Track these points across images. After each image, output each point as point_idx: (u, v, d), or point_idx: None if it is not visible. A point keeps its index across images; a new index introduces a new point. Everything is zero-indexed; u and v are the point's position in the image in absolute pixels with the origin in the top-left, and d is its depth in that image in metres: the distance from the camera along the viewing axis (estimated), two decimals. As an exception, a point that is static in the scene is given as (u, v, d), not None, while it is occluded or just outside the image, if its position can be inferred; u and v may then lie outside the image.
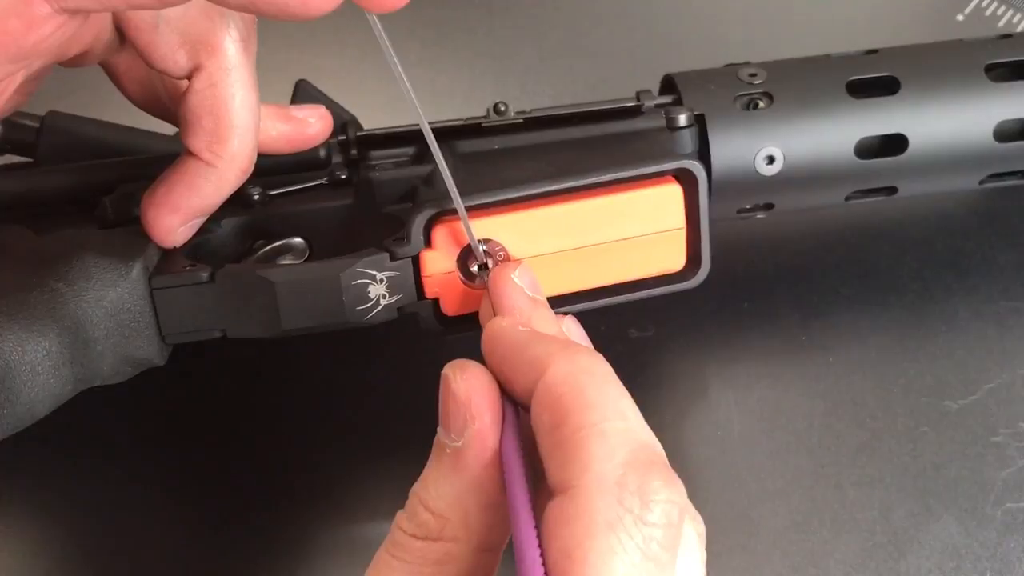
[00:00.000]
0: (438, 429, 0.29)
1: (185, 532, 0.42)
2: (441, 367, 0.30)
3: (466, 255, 0.35)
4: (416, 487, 0.29)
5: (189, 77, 0.34)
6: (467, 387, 0.29)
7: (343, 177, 0.40)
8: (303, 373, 0.45)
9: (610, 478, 0.25)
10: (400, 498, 0.41)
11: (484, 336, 0.31)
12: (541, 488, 0.27)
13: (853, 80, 0.42)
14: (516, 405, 0.29)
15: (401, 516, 0.29)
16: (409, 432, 0.43)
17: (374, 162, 0.40)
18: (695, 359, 0.45)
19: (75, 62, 0.35)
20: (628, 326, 0.45)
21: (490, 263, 0.35)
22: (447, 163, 0.33)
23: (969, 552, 0.40)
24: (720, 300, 0.46)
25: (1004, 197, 0.50)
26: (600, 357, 0.28)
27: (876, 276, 0.47)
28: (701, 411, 0.43)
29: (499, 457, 0.28)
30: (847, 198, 0.43)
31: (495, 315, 0.32)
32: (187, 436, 0.44)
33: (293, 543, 0.41)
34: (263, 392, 0.45)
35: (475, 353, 0.31)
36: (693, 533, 0.27)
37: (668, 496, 0.25)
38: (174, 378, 0.45)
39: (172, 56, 0.34)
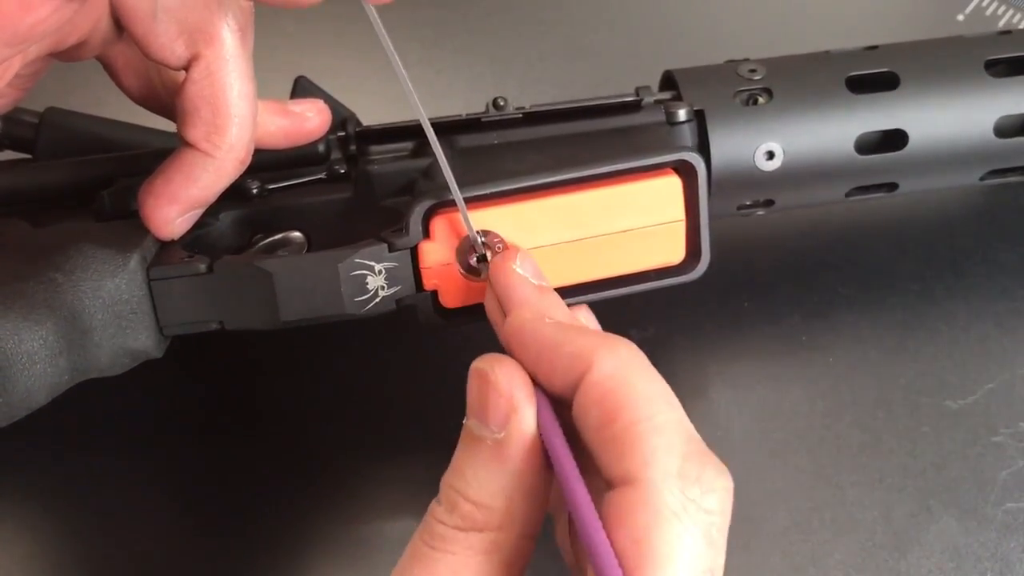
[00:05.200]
0: (468, 421, 0.30)
1: (185, 531, 0.41)
2: (438, 368, 0.30)
3: (465, 247, 0.35)
4: (451, 479, 0.29)
5: (186, 68, 0.34)
6: (508, 380, 0.29)
7: (342, 172, 0.40)
8: (304, 374, 0.45)
9: (673, 470, 0.26)
10: (400, 497, 0.41)
11: (509, 331, 0.31)
12: (585, 474, 0.28)
13: (852, 76, 0.42)
14: (545, 395, 0.30)
15: (438, 509, 0.29)
16: (409, 432, 0.43)
17: (373, 157, 0.40)
18: (695, 359, 0.45)
19: (73, 54, 0.35)
20: (628, 326, 0.45)
21: (489, 255, 0.35)
22: (446, 156, 0.33)
23: (969, 552, 0.39)
24: (720, 300, 0.46)
25: (1004, 197, 0.50)
26: (634, 345, 0.29)
27: (876, 276, 0.47)
28: (701, 411, 0.43)
29: (539, 445, 0.29)
30: (847, 194, 0.43)
31: (505, 309, 0.32)
32: (187, 436, 0.44)
33: (294, 543, 0.41)
34: (264, 392, 0.45)
35: (472, 347, 0.31)
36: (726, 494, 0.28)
37: (724, 484, 0.27)
38: (174, 377, 0.45)
39: (170, 46, 0.34)
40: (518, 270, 0.33)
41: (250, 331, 0.36)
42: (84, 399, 0.43)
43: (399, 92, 0.32)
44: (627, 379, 0.28)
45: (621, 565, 0.25)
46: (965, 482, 0.41)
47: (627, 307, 0.38)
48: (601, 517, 0.27)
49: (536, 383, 0.30)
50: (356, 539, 0.41)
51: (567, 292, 0.37)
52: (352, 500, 0.42)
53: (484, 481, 0.29)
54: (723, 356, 0.45)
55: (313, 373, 0.45)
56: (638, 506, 0.26)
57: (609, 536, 0.26)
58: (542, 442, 0.29)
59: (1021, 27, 0.58)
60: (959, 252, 0.48)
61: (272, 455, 0.43)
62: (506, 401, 0.29)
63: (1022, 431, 0.43)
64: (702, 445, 0.28)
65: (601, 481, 0.28)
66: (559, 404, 0.30)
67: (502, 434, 0.29)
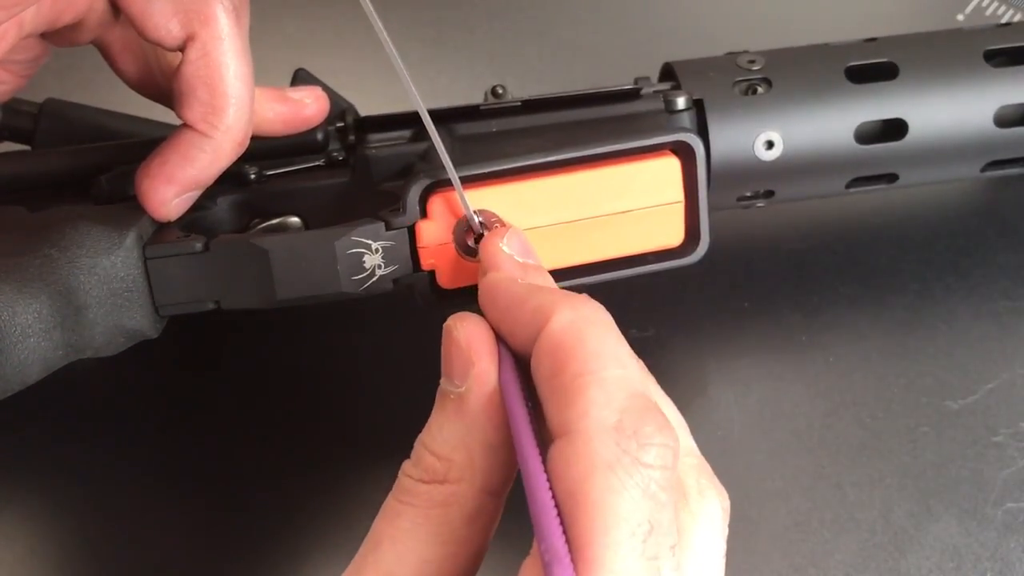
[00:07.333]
0: (441, 379, 0.30)
1: (184, 527, 0.42)
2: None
3: (462, 226, 0.35)
4: (421, 436, 0.30)
5: (182, 49, 0.34)
6: (467, 333, 0.30)
7: (340, 158, 0.40)
8: (307, 369, 0.45)
9: (608, 422, 0.26)
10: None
11: (481, 289, 0.31)
12: (543, 431, 0.28)
13: (852, 66, 0.42)
14: (514, 355, 0.30)
15: (407, 464, 0.30)
16: (412, 431, 0.43)
17: (372, 144, 0.40)
18: (695, 359, 0.45)
19: (69, 37, 0.35)
20: (628, 326, 0.45)
21: (486, 234, 0.35)
22: (445, 145, 0.33)
23: (969, 552, 0.40)
24: (720, 300, 0.46)
25: (1005, 197, 0.50)
26: (601, 307, 0.29)
27: (876, 276, 0.47)
28: (701, 411, 0.43)
29: (500, 400, 0.29)
30: (848, 185, 0.43)
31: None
32: (187, 429, 0.44)
33: (292, 538, 0.41)
34: (265, 388, 0.45)
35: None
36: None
37: (662, 440, 0.26)
38: (175, 373, 0.45)
39: (165, 25, 0.34)
40: (504, 248, 0.33)
41: (255, 328, 0.36)
42: (84, 393, 0.43)
43: (400, 91, 0.32)
44: (581, 333, 0.28)
45: (559, 516, 0.25)
46: (965, 482, 0.41)
47: (627, 307, 0.38)
48: (546, 471, 0.27)
49: (504, 341, 0.30)
50: (356, 535, 0.41)
51: (565, 274, 0.37)
52: (352, 496, 0.42)
53: (447, 435, 0.29)
54: (723, 356, 0.45)
55: (317, 370, 0.45)
56: (572, 458, 0.26)
57: (552, 490, 0.26)
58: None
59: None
60: (959, 252, 0.48)
61: (273, 451, 0.43)
62: (465, 353, 0.29)
63: (1022, 431, 0.43)
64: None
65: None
66: (527, 365, 0.30)
67: (463, 387, 0.29)
